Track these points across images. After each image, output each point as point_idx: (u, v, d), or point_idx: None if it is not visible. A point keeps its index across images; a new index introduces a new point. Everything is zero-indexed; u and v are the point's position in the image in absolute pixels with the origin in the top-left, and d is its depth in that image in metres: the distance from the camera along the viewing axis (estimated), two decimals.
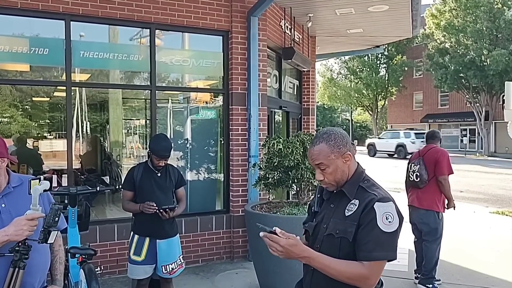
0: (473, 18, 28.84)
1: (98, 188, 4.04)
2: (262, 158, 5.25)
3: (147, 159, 3.78)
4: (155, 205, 3.50)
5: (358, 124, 54.37)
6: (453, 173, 4.88)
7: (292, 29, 7.52)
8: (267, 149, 4.60)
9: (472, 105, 32.23)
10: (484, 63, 27.89)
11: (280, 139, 4.39)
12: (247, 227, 5.11)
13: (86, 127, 7.82)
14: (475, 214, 9.37)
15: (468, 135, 36.87)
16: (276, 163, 4.45)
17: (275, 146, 4.33)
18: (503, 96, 9.10)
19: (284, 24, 7.21)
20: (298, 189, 4.58)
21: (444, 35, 30.48)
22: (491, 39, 28.76)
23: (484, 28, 28.61)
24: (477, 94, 31.53)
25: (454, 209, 5.01)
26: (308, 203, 2.07)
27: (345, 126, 54.30)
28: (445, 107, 38.95)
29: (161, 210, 3.50)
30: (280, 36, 7.10)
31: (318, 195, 1.99)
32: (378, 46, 10.09)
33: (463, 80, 30.79)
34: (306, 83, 8.92)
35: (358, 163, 1.91)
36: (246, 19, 5.87)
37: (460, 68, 29.80)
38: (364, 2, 6.69)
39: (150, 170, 3.68)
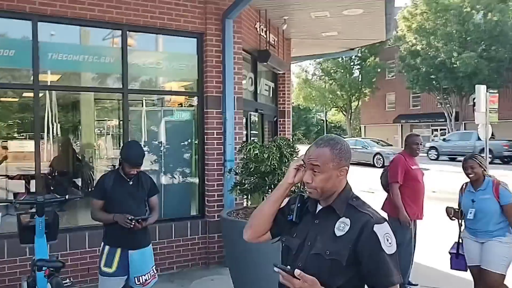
0: (443, 21, 29.52)
1: (66, 197, 3.88)
2: (238, 163, 5.18)
3: (118, 166, 3.64)
4: (131, 218, 3.36)
5: (333, 125, 54.94)
6: (396, 181, 4.77)
7: (268, 32, 7.48)
8: (243, 154, 4.52)
9: (442, 106, 33.00)
10: (454, 65, 28.57)
11: (257, 144, 4.32)
12: (223, 233, 5.02)
13: (57, 129, 7.56)
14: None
15: (439, 135, 37.72)
16: (252, 169, 4.37)
17: (251, 151, 4.26)
18: (474, 98, 9.29)
19: (260, 27, 7.16)
20: None
21: (416, 38, 31.10)
22: (461, 42, 29.48)
23: (454, 31, 29.31)
24: (448, 95, 32.29)
25: (412, 220, 4.87)
26: (281, 207, 1.92)
27: (319, 127, 54.87)
28: (417, 108, 39.74)
29: (133, 222, 3.37)
30: (255, 38, 7.04)
31: (299, 205, 1.87)
32: (352, 49, 10.16)
33: (434, 82, 31.47)
34: (282, 86, 8.90)
35: (347, 181, 1.84)
36: (221, 21, 5.78)
37: (431, 70, 30.47)
38: (339, 5, 6.70)
39: (122, 178, 3.55)
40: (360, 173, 17.30)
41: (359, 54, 39.52)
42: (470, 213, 4.01)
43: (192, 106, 6.18)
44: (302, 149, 4.88)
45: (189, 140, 6.13)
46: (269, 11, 7.06)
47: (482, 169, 4.02)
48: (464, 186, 4.23)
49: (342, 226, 1.71)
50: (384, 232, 1.66)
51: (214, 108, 5.82)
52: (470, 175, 4.04)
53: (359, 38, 9.16)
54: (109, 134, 9.33)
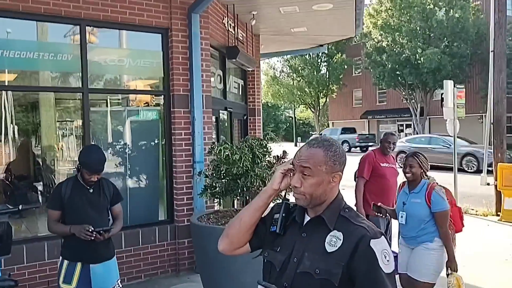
0: (408, 18, 30.04)
1: (20, 207, 3.52)
2: (209, 165, 4.92)
3: (77, 173, 3.33)
4: (92, 229, 3.07)
5: (301, 121, 55.23)
6: (362, 176, 4.81)
7: (236, 27, 7.24)
8: (213, 155, 4.28)
9: (408, 101, 33.63)
10: (419, 61, 29.13)
11: (228, 145, 4.08)
12: (193, 239, 4.77)
13: (15, 131, 7.08)
14: None
15: (404, 130, 38.47)
16: (223, 171, 4.14)
17: (222, 153, 4.02)
18: (442, 94, 9.36)
19: (227, 22, 6.90)
20: (248, 198, 4.30)
21: (381, 34, 31.54)
22: (425, 38, 30.10)
23: (418, 28, 29.90)
24: (413, 91, 32.93)
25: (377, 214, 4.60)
26: (263, 216, 1.71)
27: (288, 124, 55.02)
28: (383, 104, 40.41)
29: (94, 233, 3.07)
30: (223, 34, 6.78)
31: (283, 214, 1.65)
32: (321, 45, 10.05)
33: (399, 78, 32.02)
34: (251, 83, 8.67)
35: (339, 189, 1.64)
36: (187, 16, 5.51)
37: (397, 66, 30.97)
38: (309, 0, 6.53)
39: (81, 186, 3.24)
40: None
41: (326, 51, 39.83)
42: (401, 217, 3.70)
43: (158, 105, 5.88)
44: (274, 148, 4.70)
45: (156, 141, 5.83)
46: (237, 5, 6.82)
47: (422, 170, 3.66)
48: (401, 185, 3.91)
49: (333, 241, 1.50)
50: (381, 248, 1.46)
51: (182, 107, 5.54)
52: (407, 174, 3.68)
53: (328, 34, 9.05)
54: (72, 135, 8.87)
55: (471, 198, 10.67)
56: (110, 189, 3.39)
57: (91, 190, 3.26)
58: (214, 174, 4.33)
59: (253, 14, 7.20)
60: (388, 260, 1.45)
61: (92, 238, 3.07)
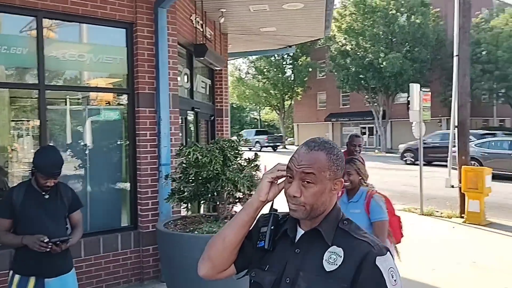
0: (371, 22, 30.62)
1: None
2: (176, 168, 4.65)
3: (31, 177, 3.00)
4: (47, 240, 2.76)
5: (266, 123, 55.31)
6: None
7: (204, 25, 7.00)
8: (181, 158, 4.02)
9: (371, 104, 34.24)
10: (381, 65, 29.72)
11: (197, 147, 3.84)
12: (158, 246, 4.49)
13: None
14: None
15: (367, 133, 39.18)
16: (192, 175, 3.90)
17: (191, 155, 3.77)
18: (408, 97, 9.44)
19: (195, 19, 6.65)
20: (218, 203, 4.07)
21: (345, 38, 31.99)
22: (387, 43, 30.76)
23: (381, 33, 30.52)
24: (375, 94, 33.57)
25: None
26: (249, 229, 1.49)
27: (253, 125, 54.97)
28: (347, 107, 41.02)
29: (50, 244, 2.76)
30: (191, 31, 6.53)
31: (272, 227, 1.43)
32: (290, 46, 9.94)
33: (362, 81, 32.58)
34: (219, 83, 8.44)
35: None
36: (153, 11, 5.22)
37: (360, 69, 31.51)
38: None
39: (35, 191, 2.92)
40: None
41: (291, 54, 40.10)
42: None
43: (122, 104, 5.55)
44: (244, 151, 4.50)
45: (119, 142, 5.50)
46: (206, 2, 6.59)
47: (360, 177, 3.43)
48: (339, 194, 3.55)
49: (333, 258, 1.30)
50: (388, 266, 1.27)
51: (147, 107, 5.24)
52: (345, 183, 3.35)
53: (297, 35, 8.94)
54: (28, 135, 8.35)
55: (434, 200, 10.84)
56: (68, 194, 3.08)
57: (47, 196, 2.94)
58: (182, 178, 4.08)
59: (222, 12, 6.99)
60: (395, 280, 1.28)
61: (48, 249, 2.76)
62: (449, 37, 31.20)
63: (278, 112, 44.57)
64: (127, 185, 5.43)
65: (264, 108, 51.08)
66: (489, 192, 8.44)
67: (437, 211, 9.48)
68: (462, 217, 8.73)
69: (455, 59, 9.20)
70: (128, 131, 5.35)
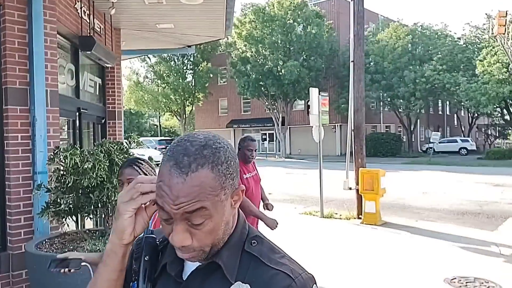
0: (270, 30, 31.35)
1: None
2: (52, 176, 3.92)
3: None
4: None
5: (167, 130, 53.85)
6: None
7: (92, 16, 6.25)
8: (56, 164, 3.36)
9: (271, 111, 35.00)
10: (280, 73, 30.53)
11: (76, 150, 3.22)
12: (28, 271, 3.74)
13: None
14: (288, 216, 9.59)
15: (267, 139, 39.99)
16: (70, 183, 3.26)
17: (68, 160, 3.14)
18: (308, 101, 9.52)
19: (81, 8, 5.90)
20: (104, 215, 3.47)
21: (245, 45, 32.35)
22: (285, 51, 31.71)
23: (279, 41, 31.36)
24: (275, 101, 34.39)
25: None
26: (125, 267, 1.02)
27: (153, 132, 53.20)
28: (248, 113, 41.51)
29: None
30: (75, 21, 5.76)
31: (146, 258, 0.99)
32: (189, 46, 9.46)
33: (262, 88, 33.20)
34: (111, 82, 7.65)
35: (239, 210, 1.00)
36: None
37: (260, 76, 32.08)
38: None
39: None
40: None
41: (192, 59, 39.54)
42: None
43: None
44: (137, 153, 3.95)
45: None
46: None
47: None
48: None
49: None
50: None
51: (18, 105, 4.42)
52: None
53: (196, 34, 8.50)
54: None
55: (332, 202, 11.10)
56: None
57: None
58: (58, 187, 3.41)
59: (112, 3, 6.29)
60: None
61: None
62: (341, 47, 33.17)
63: (179, 118, 43.63)
64: None
65: (164, 114, 49.68)
66: (383, 193, 8.77)
67: (336, 213, 9.66)
68: (360, 218, 8.96)
69: (351, 65, 9.46)
70: None
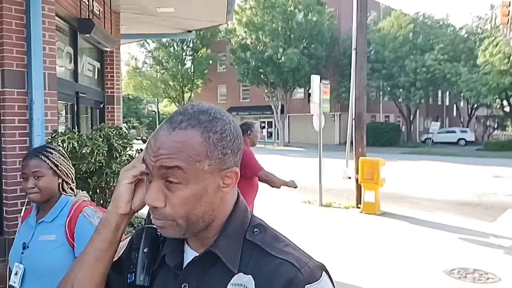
0: (270, 17, 31.07)
1: None
2: None
3: None
4: None
5: (165, 116, 53.70)
6: (261, 169, 4.50)
7: None
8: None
9: (270, 99, 34.86)
10: (280, 60, 30.32)
11: (74, 134, 3.15)
12: None
13: None
14: (287, 205, 9.57)
15: (266, 127, 39.91)
16: None
17: (66, 144, 3.08)
18: (309, 89, 9.43)
19: None
20: (102, 201, 3.41)
21: (246, 32, 32.09)
22: (286, 39, 31.46)
23: (280, 28, 31.10)
24: (274, 89, 34.23)
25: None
26: (115, 258, 0.98)
27: (151, 118, 53.02)
28: (247, 101, 41.36)
29: None
30: (74, 3, 5.64)
31: (146, 250, 0.93)
32: (190, 31, 9.33)
33: (262, 76, 33.01)
34: (110, 66, 7.55)
35: (238, 194, 0.94)
36: None
37: (260, 64, 31.86)
38: None
39: None
40: None
41: (191, 45, 39.25)
42: (16, 273, 1.87)
43: None
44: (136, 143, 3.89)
45: None
46: None
47: (59, 179, 1.98)
48: (26, 212, 2.16)
49: None
50: None
51: (15, 87, 4.32)
52: (31, 194, 1.95)
53: (197, 19, 8.38)
54: None
55: (331, 191, 11.07)
56: None
57: None
58: None
59: None
60: None
61: None
62: (342, 36, 32.92)
63: (177, 104, 43.45)
64: None
65: (162, 100, 49.47)
66: (383, 182, 8.73)
67: (335, 202, 9.64)
68: (359, 208, 8.93)
69: (353, 53, 9.36)
70: None
